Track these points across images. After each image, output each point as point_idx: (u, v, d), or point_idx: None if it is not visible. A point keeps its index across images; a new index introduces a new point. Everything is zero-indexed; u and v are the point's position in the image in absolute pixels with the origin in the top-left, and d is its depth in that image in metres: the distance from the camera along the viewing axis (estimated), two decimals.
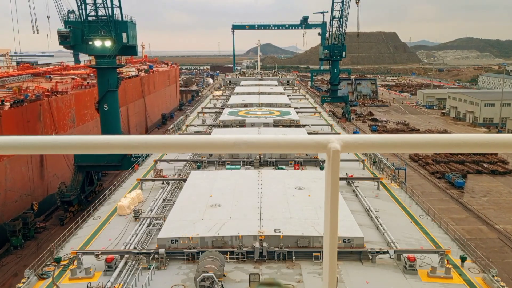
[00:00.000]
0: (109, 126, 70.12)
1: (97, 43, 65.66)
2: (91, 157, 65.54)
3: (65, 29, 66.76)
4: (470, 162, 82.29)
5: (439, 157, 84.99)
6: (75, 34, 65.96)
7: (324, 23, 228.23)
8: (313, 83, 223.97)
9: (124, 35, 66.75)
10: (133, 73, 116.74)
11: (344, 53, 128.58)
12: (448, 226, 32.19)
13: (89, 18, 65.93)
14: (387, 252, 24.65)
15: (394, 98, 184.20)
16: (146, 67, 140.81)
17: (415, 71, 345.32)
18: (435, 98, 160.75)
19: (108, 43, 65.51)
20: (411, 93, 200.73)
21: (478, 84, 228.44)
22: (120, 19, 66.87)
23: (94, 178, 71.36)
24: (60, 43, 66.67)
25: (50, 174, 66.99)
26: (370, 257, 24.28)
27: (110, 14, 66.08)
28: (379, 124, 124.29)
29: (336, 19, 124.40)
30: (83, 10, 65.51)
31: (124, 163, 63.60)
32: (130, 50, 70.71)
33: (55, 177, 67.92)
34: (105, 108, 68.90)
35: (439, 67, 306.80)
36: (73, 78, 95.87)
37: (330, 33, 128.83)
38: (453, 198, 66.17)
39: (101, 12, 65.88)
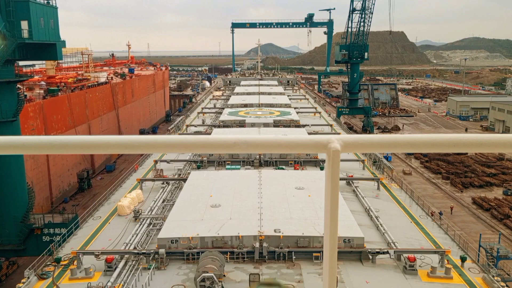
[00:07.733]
0: (4, 178, 42.69)
1: None
2: None
3: None
4: None
5: None
6: None
7: (331, 21, 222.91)
8: (320, 87, 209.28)
9: (24, 24, 39.57)
10: (103, 79, 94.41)
11: (366, 54, 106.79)
12: (448, 226, 32.20)
13: None
14: (387, 252, 24.65)
15: (418, 108, 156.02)
16: (125, 70, 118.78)
17: (429, 72, 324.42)
18: (470, 107, 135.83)
19: None
20: (435, 100, 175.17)
21: (506, 89, 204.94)
22: None
23: None
24: None
25: None
26: (370, 257, 24.28)
27: None
28: None
29: (356, 12, 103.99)
30: None
31: (29, 246, 43.16)
32: (44, 50, 43.88)
33: None
34: None
35: (455, 68, 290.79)
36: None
37: (349, 29, 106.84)
38: None
39: None
